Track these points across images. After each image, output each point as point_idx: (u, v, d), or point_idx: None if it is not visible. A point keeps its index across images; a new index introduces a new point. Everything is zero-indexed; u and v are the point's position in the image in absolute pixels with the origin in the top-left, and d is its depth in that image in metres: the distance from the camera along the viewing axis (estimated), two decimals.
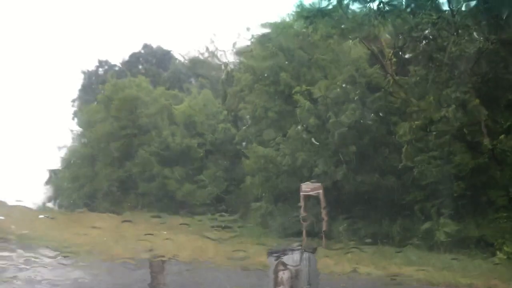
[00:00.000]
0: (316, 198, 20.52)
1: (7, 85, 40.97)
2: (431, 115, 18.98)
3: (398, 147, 20.67)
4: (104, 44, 57.82)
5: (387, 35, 21.65)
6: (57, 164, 34.88)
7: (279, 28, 26.43)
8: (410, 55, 21.22)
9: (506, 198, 17.67)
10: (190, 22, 54.41)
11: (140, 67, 37.50)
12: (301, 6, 22.15)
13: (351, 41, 23.12)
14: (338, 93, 22.89)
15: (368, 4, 18.90)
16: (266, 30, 27.15)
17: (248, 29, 31.30)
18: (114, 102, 30.76)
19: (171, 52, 38.90)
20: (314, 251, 8.41)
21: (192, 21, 54.71)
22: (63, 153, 34.80)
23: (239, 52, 32.26)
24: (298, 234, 19.48)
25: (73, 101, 38.03)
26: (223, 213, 25.81)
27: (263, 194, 24.74)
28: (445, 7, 18.77)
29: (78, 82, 38.72)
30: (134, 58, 38.42)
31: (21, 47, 48.93)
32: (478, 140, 18.44)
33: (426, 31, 18.71)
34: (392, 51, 22.13)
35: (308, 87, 23.66)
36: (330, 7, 19.26)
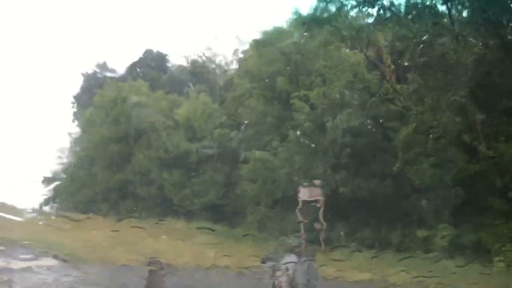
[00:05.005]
0: (315, 202, 20.56)
1: (6, 88, 40.99)
2: (429, 121, 19.03)
3: (397, 152, 20.71)
4: (104, 48, 57.85)
5: (386, 42, 21.74)
6: (55, 167, 34.85)
7: (277, 34, 26.55)
8: (409, 61, 21.29)
9: (504, 203, 17.69)
10: (189, 27, 54.53)
11: (139, 70, 37.48)
12: (297, 13, 22.31)
13: (349, 48, 23.24)
14: (335, 98, 22.97)
15: (367, 11, 19.03)
16: (265, 36, 27.24)
17: (247, 35, 31.39)
18: (113, 106, 30.75)
19: (171, 56, 38.96)
20: (312, 256, 8.43)
21: (192, 26, 54.85)
22: (62, 156, 34.75)
23: (238, 58, 32.34)
24: (297, 237, 19.46)
25: (73, 104, 38.04)
26: (221, 218, 25.97)
27: (261, 198, 24.73)
28: (445, 15, 18.86)
29: (77, 85, 38.74)
30: (134, 62, 38.42)
31: (22, 50, 48.99)
32: (475, 145, 18.48)
33: (425, 38, 18.79)
34: (390, 57, 22.22)
35: (306, 92, 23.72)
36: (327, 14, 19.37)
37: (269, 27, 27.84)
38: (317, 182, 20.70)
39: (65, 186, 32.70)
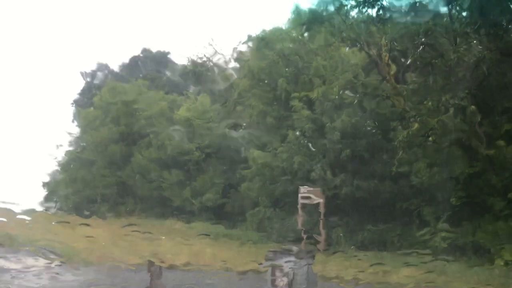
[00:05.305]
0: (315, 207, 20.53)
1: (5, 87, 40.96)
2: (429, 121, 19.03)
3: (396, 153, 20.71)
4: (104, 48, 57.71)
5: (386, 42, 21.73)
6: (55, 167, 34.80)
7: (277, 34, 26.55)
8: (409, 61, 21.31)
9: (504, 204, 17.69)
10: (189, 27, 54.37)
11: (139, 71, 37.45)
12: (297, 12, 22.33)
13: (349, 47, 23.23)
14: (335, 98, 22.98)
15: (367, 11, 19.04)
16: (265, 37, 27.24)
17: (247, 34, 31.37)
18: (113, 106, 30.74)
19: (170, 56, 38.94)
20: (312, 256, 8.43)
21: (191, 26, 54.69)
22: (61, 156, 34.70)
23: (238, 58, 32.31)
24: (296, 239, 19.48)
25: (72, 104, 37.98)
26: (220, 218, 25.97)
27: (261, 199, 24.73)
28: (445, 15, 18.86)
29: (77, 85, 38.69)
30: (133, 62, 38.39)
31: (22, 50, 48.94)
32: (475, 146, 18.49)
33: (425, 38, 18.79)
34: (390, 57, 22.20)
35: (306, 93, 23.73)
36: (327, 13, 19.41)
37: (269, 27, 27.86)
38: (317, 188, 20.69)
39: (65, 186, 32.66)
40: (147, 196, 29.30)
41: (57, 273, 11.40)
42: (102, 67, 38.36)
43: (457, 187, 18.83)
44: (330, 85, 23.34)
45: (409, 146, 19.66)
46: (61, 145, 34.41)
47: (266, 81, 26.50)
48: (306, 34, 24.48)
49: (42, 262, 12.77)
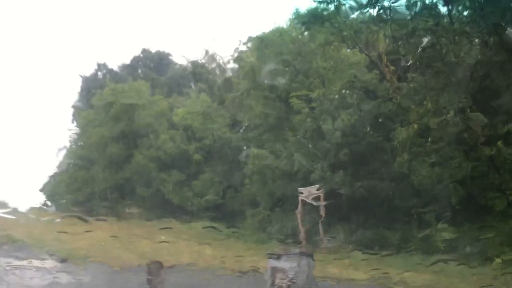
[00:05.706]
0: (316, 207, 20.50)
1: (5, 88, 40.98)
2: (429, 121, 19.02)
3: (396, 153, 20.71)
4: (104, 48, 57.81)
5: (386, 42, 21.72)
6: (55, 167, 34.83)
7: (277, 34, 26.56)
8: (409, 61, 21.29)
9: (504, 204, 17.69)
10: (189, 27, 54.46)
11: (139, 71, 37.48)
12: (297, 13, 22.38)
13: (349, 48, 23.23)
14: (335, 98, 22.97)
15: (368, 11, 19.04)
16: (265, 37, 27.24)
17: (247, 35, 31.42)
18: (113, 107, 30.74)
19: (170, 56, 38.97)
20: (312, 256, 8.44)
21: (191, 26, 54.80)
22: (61, 156, 34.73)
23: (238, 58, 32.31)
24: (296, 239, 19.48)
25: (72, 104, 37.97)
26: (220, 218, 25.97)
27: (261, 199, 24.72)
28: (445, 15, 18.84)
29: (77, 85, 38.68)
30: (133, 63, 38.42)
31: (21, 50, 48.98)
32: (475, 146, 18.48)
33: (425, 38, 18.78)
34: (390, 57, 22.20)
35: (306, 93, 23.73)
36: (327, 13, 19.41)
37: (269, 27, 27.88)
38: (316, 186, 20.65)
39: (65, 186, 32.67)
40: (147, 196, 29.30)
41: (57, 276, 11.42)
42: (102, 67, 38.37)
43: (457, 187, 18.82)
44: (330, 85, 23.33)
45: (409, 146, 19.65)
46: (61, 148, 34.50)
47: (266, 82, 26.49)
48: (306, 34, 24.46)
49: (42, 263, 12.80)
